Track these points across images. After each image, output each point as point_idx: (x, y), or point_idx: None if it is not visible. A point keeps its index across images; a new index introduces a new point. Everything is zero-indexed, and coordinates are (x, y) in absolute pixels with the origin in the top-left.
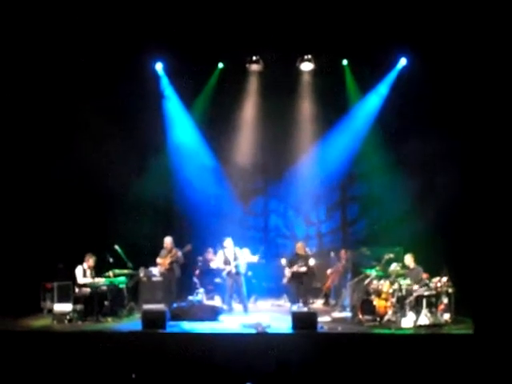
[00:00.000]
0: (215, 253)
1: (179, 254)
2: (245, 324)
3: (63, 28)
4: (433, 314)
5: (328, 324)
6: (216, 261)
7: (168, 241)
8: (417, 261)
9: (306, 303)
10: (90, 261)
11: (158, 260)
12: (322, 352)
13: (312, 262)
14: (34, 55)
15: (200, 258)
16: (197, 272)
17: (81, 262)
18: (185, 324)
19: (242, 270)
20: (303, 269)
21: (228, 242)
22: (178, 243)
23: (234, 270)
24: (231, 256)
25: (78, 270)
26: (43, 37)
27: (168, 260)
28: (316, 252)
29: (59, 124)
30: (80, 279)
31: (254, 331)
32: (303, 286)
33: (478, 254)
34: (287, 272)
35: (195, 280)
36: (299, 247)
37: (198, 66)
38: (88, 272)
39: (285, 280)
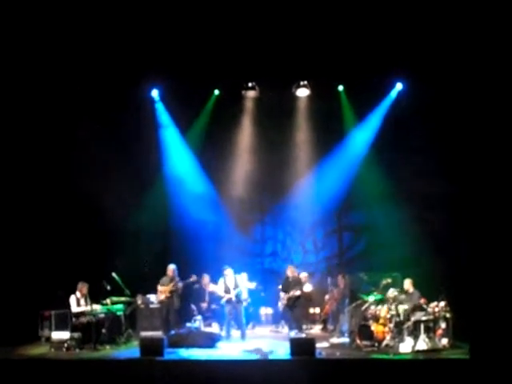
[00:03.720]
0: (212, 280)
1: (180, 285)
2: (246, 350)
3: (58, 55)
4: (431, 339)
5: (326, 350)
6: (216, 288)
7: (171, 268)
8: (415, 285)
9: (300, 328)
10: (82, 289)
11: (159, 287)
12: (320, 378)
13: (309, 287)
14: (27, 82)
15: (197, 286)
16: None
17: (75, 291)
18: (183, 351)
19: (244, 297)
20: (297, 292)
21: (228, 271)
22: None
23: (234, 299)
24: (232, 284)
25: (72, 300)
26: (36, 63)
27: (169, 289)
28: (313, 277)
29: (55, 154)
30: (74, 308)
31: (253, 357)
32: (298, 310)
33: (475, 278)
34: (283, 298)
35: (193, 307)
36: (290, 270)
37: (194, 93)
38: (82, 300)
39: (281, 306)
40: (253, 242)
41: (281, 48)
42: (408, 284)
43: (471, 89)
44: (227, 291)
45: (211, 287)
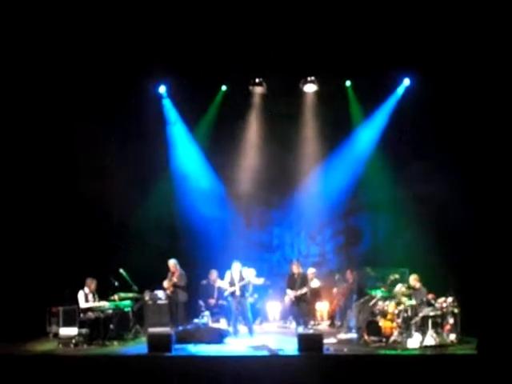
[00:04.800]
0: (220, 276)
1: (178, 273)
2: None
3: (65, 52)
4: (439, 334)
5: (334, 345)
6: (223, 283)
7: (172, 263)
8: (422, 281)
9: (307, 324)
10: (91, 285)
11: (164, 283)
12: (328, 374)
13: (316, 283)
14: (34, 78)
15: (204, 282)
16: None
17: (83, 287)
18: (191, 347)
19: (248, 292)
20: (304, 290)
21: (236, 264)
22: (182, 265)
23: (238, 293)
24: (237, 278)
25: (80, 295)
26: (43, 61)
27: (171, 283)
28: (320, 273)
29: (63, 152)
30: (82, 304)
31: (261, 353)
32: (305, 305)
33: (483, 273)
34: (290, 295)
35: (200, 303)
36: (295, 266)
37: (202, 89)
38: (90, 296)
39: (287, 302)
40: (260, 238)
41: (288, 44)
42: (413, 280)
43: (480, 84)
44: (232, 284)
45: (219, 283)
